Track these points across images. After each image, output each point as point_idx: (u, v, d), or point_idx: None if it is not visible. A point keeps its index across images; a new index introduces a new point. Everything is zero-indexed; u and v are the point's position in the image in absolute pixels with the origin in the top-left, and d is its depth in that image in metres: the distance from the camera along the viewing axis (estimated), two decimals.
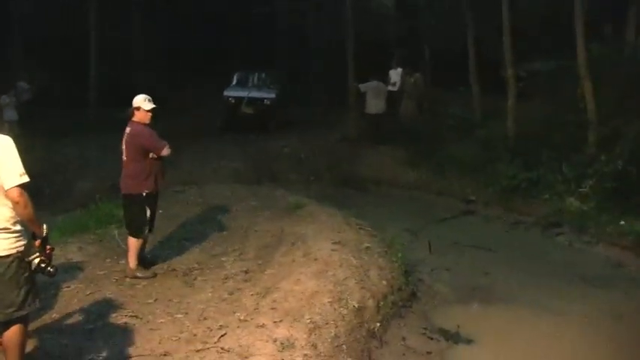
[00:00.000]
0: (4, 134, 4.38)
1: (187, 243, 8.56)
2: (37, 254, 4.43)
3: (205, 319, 6.06)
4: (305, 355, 5.42)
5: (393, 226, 10.02)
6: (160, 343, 5.55)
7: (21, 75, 18.65)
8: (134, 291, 6.86)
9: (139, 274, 7.19)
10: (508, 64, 14.68)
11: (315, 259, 7.46)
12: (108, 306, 6.35)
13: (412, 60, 19.40)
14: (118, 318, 6.10)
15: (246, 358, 5.28)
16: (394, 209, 12.68)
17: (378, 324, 6.58)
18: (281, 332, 5.65)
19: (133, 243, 7.23)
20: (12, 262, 4.30)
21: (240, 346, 5.40)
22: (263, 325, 5.77)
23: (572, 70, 13.32)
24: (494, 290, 8.37)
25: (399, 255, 8.21)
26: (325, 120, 18.83)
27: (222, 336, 5.61)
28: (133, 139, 7.14)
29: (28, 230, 4.43)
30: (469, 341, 6.88)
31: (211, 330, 5.77)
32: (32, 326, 5.18)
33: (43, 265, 4.44)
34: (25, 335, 4.58)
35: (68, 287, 6.77)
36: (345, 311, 6.37)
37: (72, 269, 7.28)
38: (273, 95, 19.47)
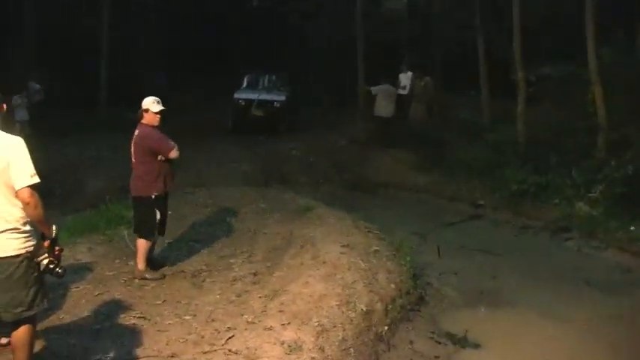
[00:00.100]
0: (16, 135, 4.41)
1: (196, 245, 8.58)
2: (46, 255, 4.45)
3: (213, 320, 6.07)
4: (312, 358, 5.42)
5: (402, 230, 10.01)
6: (167, 344, 5.56)
7: (32, 76, 18.70)
8: (142, 292, 6.87)
9: (147, 276, 7.21)
10: (518, 67, 14.66)
11: (324, 262, 7.45)
12: (116, 307, 6.37)
13: (422, 63, 19.41)
14: (126, 319, 6.11)
15: None
16: (403, 212, 12.67)
17: (386, 327, 6.57)
18: (289, 335, 5.65)
19: (142, 244, 7.25)
20: (21, 261, 4.31)
21: (248, 348, 5.40)
22: (271, 328, 5.77)
23: (582, 75, 13.28)
24: (502, 294, 8.36)
25: (408, 258, 8.21)
26: (334, 122, 18.80)
27: (229, 338, 5.61)
28: (141, 142, 7.16)
29: (38, 231, 4.44)
30: (476, 345, 6.88)
31: (219, 332, 5.78)
32: (40, 326, 5.21)
33: (51, 267, 4.46)
34: (34, 335, 4.60)
35: (77, 288, 6.79)
36: (353, 314, 6.36)
37: (81, 270, 7.31)
38: (283, 98, 19.51)
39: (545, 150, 13.22)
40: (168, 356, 5.34)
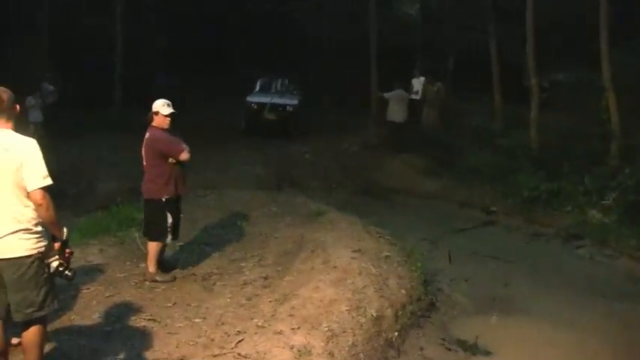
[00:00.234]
0: (29, 136, 4.44)
1: (207, 248, 8.58)
2: (56, 257, 4.46)
3: (223, 324, 6.07)
4: None
5: (413, 236, 9.98)
6: (177, 347, 5.56)
7: (46, 77, 18.78)
8: (153, 294, 6.88)
9: (158, 278, 7.22)
10: (531, 73, 14.62)
11: (335, 267, 7.44)
12: (127, 309, 6.38)
13: (434, 69, 19.40)
14: (137, 321, 6.12)
15: None
16: (414, 218, 12.62)
17: (396, 333, 6.55)
18: (298, 339, 5.65)
19: (153, 247, 7.26)
20: (33, 262, 4.33)
21: (257, 352, 5.40)
22: (280, 332, 5.76)
23: (595, 81, 13.23)
24: (514, 301, 8.31)
25: (419, 264, 8.18)
26: (346, 126, 18.78)
27: (239, 342, 5.61)
28: (151, 144, 7.17)
29: (49, 232, 4.46)
30: (487, 352, 6.83)
31: (229, 335, 5.78)
32: (51, 327, 5.23)
33: (61, 269, 4.47)
34: (44, 335, 4.62)
35: (88, 289, 6.80)
36: (363, 320, 6.35)
37: (92, 271, 7.32)
38: (295, 102, 19.54)
39: (557, 156, 13.18)
40: (178, 359, 5.35)
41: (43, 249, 4.39)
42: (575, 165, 12.60)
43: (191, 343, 5.64)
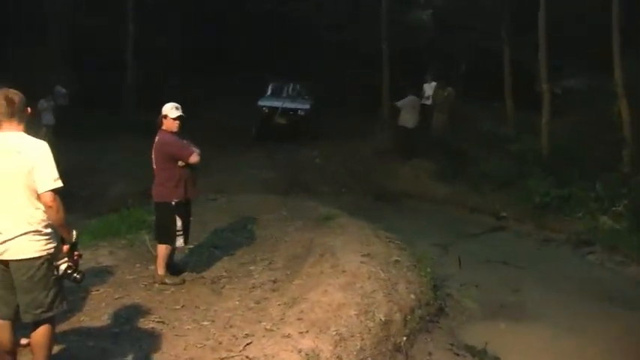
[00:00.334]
0: (41, 138, 4.47)
1: (217, 251, 8.60)
2: (65, 259, 4.49)
3: (231, 327, 6.08)
4: None
5: (423, 241, 9.99)
6: (185, 349, 5.58)
7: (60, 79, 18.85)
8: (162, 297, 6.90)
9: (167, 281, 7.24)
10: (543, 79, 14.58)
11: (344, 271, 7.43)
12: (135, 311, 6.40)
13: (446, 74, 19.36)
14: (145, 323, 6.14)
15: None
16: (424, 223, 12.60)
17: (405, 338, 6.54)
18: (306, 343, 5.64)
19: (162, 250, 7.28)
20: (42, 263, 4.37)
21: (265, 355, 5.40)
22: (289, 336, 5.76)
23: (607, 87, 13.18)
24: (523, 308, 8.28)
25: (428, 269, 8.17)
26: (357, 131, 18.74)
27: (247, 345, 5.61)
28: (160, 148, 7.19)
29: (58, 234, 4.48)
30: (496, 359, 6.83)
31: (237, 338, 5.78)
32: (60, 328, 5.25)
33: (69, 272, 4.50)
34: (53, 336, 4.65)
35: (97, 291, 6.84)
36: (371, 324, 6.34)
37: (102, 273, 7.36)
38: (307, 106, 19.55)
39: (569, 162, 13.13)
40: None
41: (52, 250, 4.42)
42: (587, 171, 12.56)
43: (199, 346, 5.64)
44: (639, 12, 13.75)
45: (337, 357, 5.59)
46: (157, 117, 7.28)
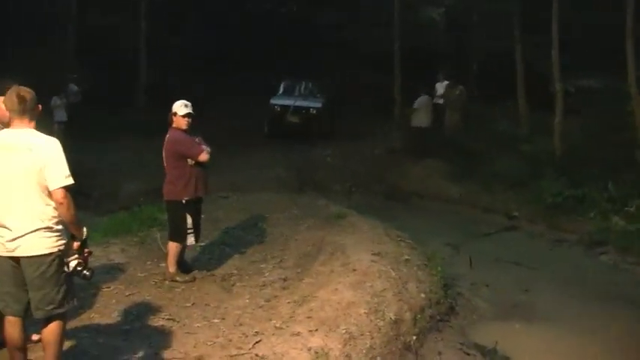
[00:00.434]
0: (53, 135, 4.49)
1: (227, 249, 8.62)
2: (75, 256, 4.50)
3: (241, 324, 6.09)
4: None
5: (434, 240, 9.98)
6: (195, 346, 5.58)
7: (72, 77, 18.95)
8: (172, 294, 6.92)
9: (178, 278, 7.25)
10: (556, 79, 14.53)
11: (354, 270, 7.42)
12: (146, 308, 6.43)
13: (458, 73, 19.32)
14: (155, 320, 6.16)
15: None
16: (436, 222, 12.57)
17: (415, 337, 6.52)
18: (316, 341, 5.64)
19: (173, 247, 7.30)
20: (53, 260, 4.39)
21: (275, 353, 5.40)
22: (298, 334, 5.76)
23: (621, 87, 13.12)
24: (534, 308, 8.23)
25: (439, 268, 8.15)
26: (369, 130, 18.72)
27: (257, 343, 5.61)
28: (170, 146, 7.21)
29: (68, 231, 4.50)
30: (506, 358, 6.80)
31: (246, 336, 5.78)
32: (71, 325, 5.26)
33: (79, 269, 4.51)
34: (64, 333, 4.66)
35: (108, 288, 6.86)
36: (381, 323, 6.33)
37: (113, 270, 7.39)
38: (319, 105, 19.55)
39: (581, 162, 13.07)
40: (196, 358, 5.36)
41: (63, 247, 4.44)
42: (599, 171, 12.49)
43: (209, 343, 5.65)
44: None
45: (346, 355, 5.58)
46: (167, 116, 7.30)
